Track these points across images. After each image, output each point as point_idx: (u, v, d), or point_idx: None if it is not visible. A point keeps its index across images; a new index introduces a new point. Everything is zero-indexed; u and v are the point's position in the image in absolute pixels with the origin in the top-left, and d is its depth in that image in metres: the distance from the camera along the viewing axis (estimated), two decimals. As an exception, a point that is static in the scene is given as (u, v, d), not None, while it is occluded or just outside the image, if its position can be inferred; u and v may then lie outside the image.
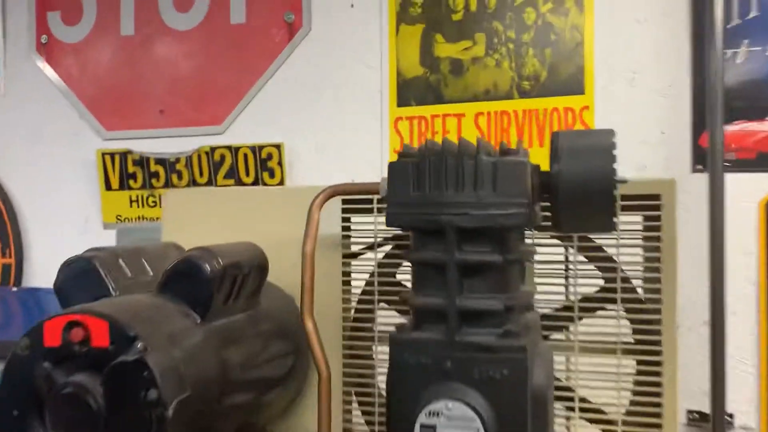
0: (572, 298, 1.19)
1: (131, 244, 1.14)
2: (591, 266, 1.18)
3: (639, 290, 1.14)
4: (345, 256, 1.23)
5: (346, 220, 1.24)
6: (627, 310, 1.13)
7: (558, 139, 0.83)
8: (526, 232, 1.03)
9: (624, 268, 1.13)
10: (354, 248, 1.24)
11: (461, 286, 0.83)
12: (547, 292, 1.20)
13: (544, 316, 1.19)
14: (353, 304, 1.24)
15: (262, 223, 1.28)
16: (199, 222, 1.36)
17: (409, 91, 1.83)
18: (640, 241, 1.14)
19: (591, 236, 1.15)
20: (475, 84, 1.79)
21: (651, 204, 1.10)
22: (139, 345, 0.80)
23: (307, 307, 1.04)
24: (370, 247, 1.22)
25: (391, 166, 0.87)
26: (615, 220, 0.82)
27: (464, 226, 0.81)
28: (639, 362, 1.12)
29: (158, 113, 2.05)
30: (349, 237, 1.24)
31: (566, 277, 1.20)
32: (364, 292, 1.22)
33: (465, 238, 0.83)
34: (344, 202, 1.22)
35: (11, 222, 2.17)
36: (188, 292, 0.97)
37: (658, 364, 1.09)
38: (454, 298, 0.81)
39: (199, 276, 0.96)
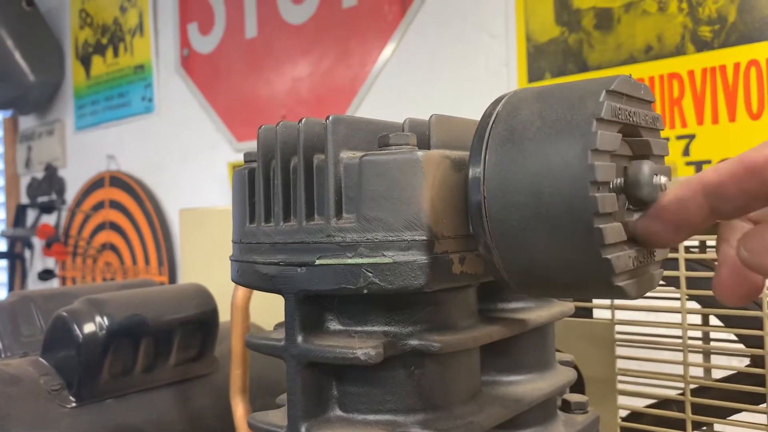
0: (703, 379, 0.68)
1: (82, 287, 0.92)
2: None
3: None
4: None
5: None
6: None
7: (486, 116, 0.40)
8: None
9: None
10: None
11: (321, 400, 0.44)
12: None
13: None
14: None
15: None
16: (215, 242, 1.12)
17: (543, 60, 1.37)
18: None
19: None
20: (630, 40, 1.26)
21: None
22: None
23: (236, 383, 0.71)
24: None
25: (234, 178, 0.52)
26: (620, 278, 0.36)
27: (307, 291, 0.43)
28: None
29: (281, 118, 1.85)
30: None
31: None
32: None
33: (318, 309, 0.44)
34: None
35: (166, 241, 2.16)
36: (63, 360, 0.71)
37: None
38: (297, 423, 0.43)
39: (69, 341, 0.69)
